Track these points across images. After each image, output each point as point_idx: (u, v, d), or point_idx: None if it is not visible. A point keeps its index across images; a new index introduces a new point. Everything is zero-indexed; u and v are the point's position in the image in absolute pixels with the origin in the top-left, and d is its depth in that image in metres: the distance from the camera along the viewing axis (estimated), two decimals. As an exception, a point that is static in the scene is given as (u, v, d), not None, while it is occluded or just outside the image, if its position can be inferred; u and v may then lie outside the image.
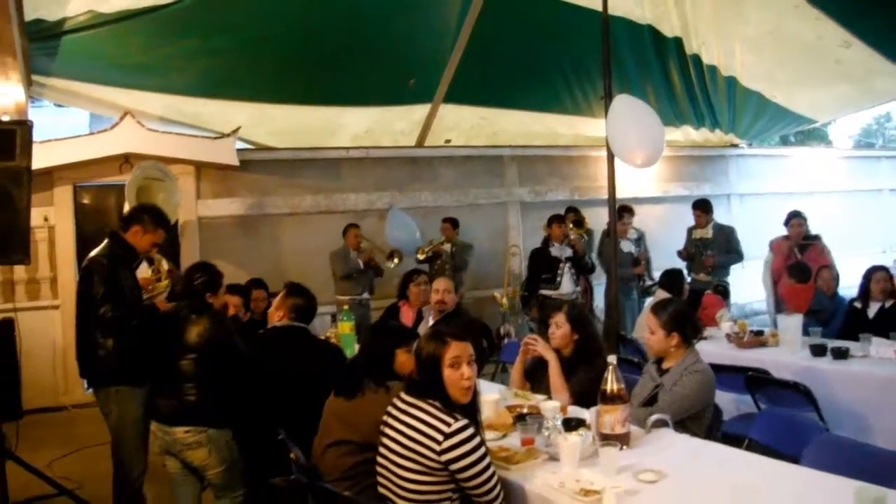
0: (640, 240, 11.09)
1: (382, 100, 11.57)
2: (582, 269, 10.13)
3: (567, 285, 9.80)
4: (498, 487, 3.35)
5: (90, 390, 5.65)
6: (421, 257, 10.54)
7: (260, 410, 4.81)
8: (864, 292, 7.30)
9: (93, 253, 5.45)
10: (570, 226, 10.20)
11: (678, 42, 11.74)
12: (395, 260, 10.45)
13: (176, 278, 6.15)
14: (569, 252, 9.87)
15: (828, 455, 3.72)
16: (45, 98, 11.07)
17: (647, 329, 4.70)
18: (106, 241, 5.49)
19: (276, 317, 5.26)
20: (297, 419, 4.29)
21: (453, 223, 10.82)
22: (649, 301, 8.79)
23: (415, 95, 11.63)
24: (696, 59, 12.03)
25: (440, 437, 3.28)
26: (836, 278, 8.22)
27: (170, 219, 7.80)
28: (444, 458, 3.26)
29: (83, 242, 9.65)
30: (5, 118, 7.96)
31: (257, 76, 10.49)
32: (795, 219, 9.54)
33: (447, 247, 10.68)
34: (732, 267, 10.27)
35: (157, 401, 4.81)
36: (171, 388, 4.68)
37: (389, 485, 3.45)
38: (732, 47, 11.60)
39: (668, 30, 11.49)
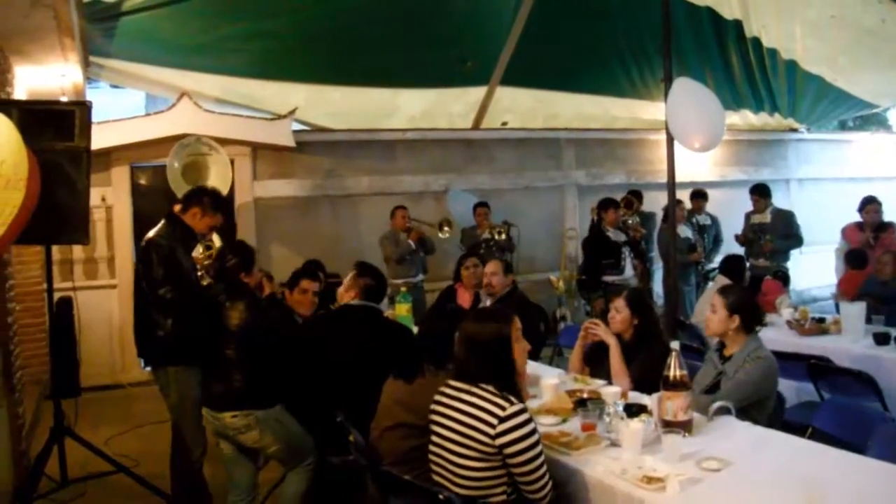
0: (711, 225, 11.07)
1: (439, 81, 11.52)
2: (639, 254, 10.05)
3: (629, 270, 9.74)
4: (548, 477, 3.32)
5: (147, 369, 5.71)
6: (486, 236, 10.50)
7: (326, 388, 4.83)
8: None
9: (151, 233, 5.47)
10: (623, 209, 10.14)
11: (738, 24, 11.58)
12: (446, 229, 10.41)
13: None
14: (623, 237, 9.79)
15: (894, 446, 3.65)
16: (103, 79, 11.12)
17: (710, 307, 4.65)
18: (163, 221, 5.52)
19: (348, 297, 5.28)
20: (361, 399, 4.29)
21: (488, 207, 10.71)
22: (711, 285, 8.71)
23: (471, 77, 11.57)
24: (756, 41, 11.87)
25: (495, 421, 3.25)
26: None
27: (222, 190, 7.87)
28: (499, 441, 3.23)
29: (140, 222, 9.73)
30: (64, 99, 8.05)
31: (313, 57, 10.49)
32: (871, 204, 9.36)
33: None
34: (792, 252, 10.14)
35: (209, 386, 4.83)
36: (219, 373, 4.70)
37: (444, 472, 3.44)
38: (793, 30, 11.42)
39: (728, 12, 11.33)
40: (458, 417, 3.38)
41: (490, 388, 3.39)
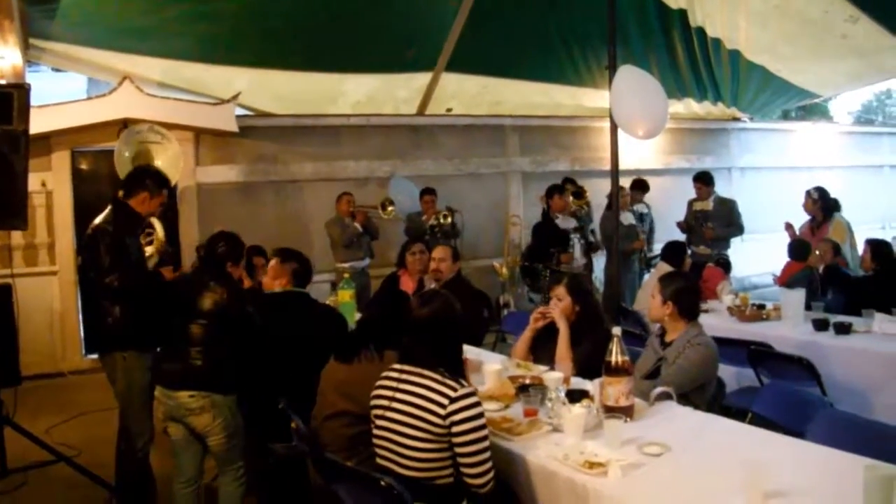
0: (647, 213, 11.15)
1: (384, 67, 11.49)
2: (589, 243, 10.10)
3: (578, 257, 9.78)
4: (490, 464, 3.34)
5: (93, 356, 5.62)
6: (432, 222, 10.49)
7: (264, 378, 4.80)
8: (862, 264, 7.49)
9: (97, 220, 5.38)
10: (570, 197, 10.19)
11: (683, 14, 11.68)
12: (390, 209, 10.36)
13: (163, 246, 6.16)
14: (573, 223, 9.84)
15: (833, 430, 3.71)
16: (43, 62, 10.98)
17: (649, 294, 4.71)
18: (109, 207, 5.43)
19: (278, 284, 5.25)
20: (300, 385, 4.28)
21: (434, 194, 10.71)
22: (651, 273, 8.79)
23: (416, 63, 11.55)
24: (701, 31, 11.97)
25: (446, 402, 3.27)
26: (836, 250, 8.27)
27: (171, 180, 7.78)
28: (448, 420, 3.25)
29: (81, 208, 9.63)
30: (2, 82, 7.90)
31: (257, 41, 10.39)
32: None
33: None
34: (733, 240, 10.25)
35: (162, 365, 4.74)
36: (177, 352, 4.61)
37: (391, 455, 3.42)
38: (737, 20, 11.52)
39: (673, 1, 11.41)
40: (407, 399, 3.38)
41: (440, 370, 3.40)
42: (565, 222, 9.81)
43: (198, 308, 4.62)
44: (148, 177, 5.56)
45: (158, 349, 4.94)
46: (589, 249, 10.07)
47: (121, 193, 5.47)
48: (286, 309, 5.16)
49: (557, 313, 5.06)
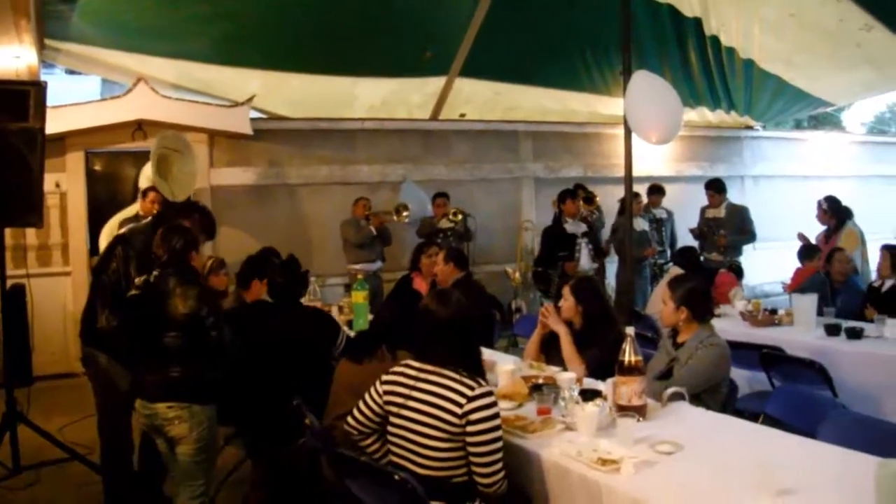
0: (667, 219, 11.18)
1: (398, 71, 11.52)
2: (598, 248, 10.11)
3: (585, 261, 9.77)
4: (502, 465, 3.35)
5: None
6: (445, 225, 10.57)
7: (265, 381, 4.83)
8: (879, 271, 7.48)
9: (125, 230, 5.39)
10: (581, 202, 10.21)
11: (697, 22, 11.66)
12: (404, 213, 10.40)
13: None
14: (584, 228, 9.86)
15: (845, 431, 3.71)
16: (58, 63, 11.02)
17: (661, 299, 4.72)
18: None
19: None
20: (303, 387, 4.32)
21: (447, 197, 10.80)
22: (665, 277, 8.79)
23: (431, 68, 11.58)
24: (715, 40, 11.95)
25: (463, 401, 3.29)
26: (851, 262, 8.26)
27: (186, 193, 7.79)
28: (465, 420, 3.27)
29: (95, 209, 9.68)
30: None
31: (273, 44, 10.44)
32: None
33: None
34: (745, 248, 10.25)
35: (141, 378, 4.54)
36: (155, 365, 4.42)
37: (406, 453, 3.44)
38: (752, 29, 11.51)
39: (688, 10, 11.41)
40: (423, 398, 3.40)
41: (458, 369, 3.42)
42: (575, 227, 9.82)
43: (170, 319, 4.40)
44: (197, 210, 5.46)
45: (136, 362, 4.71)
46: (597, 255, 10.05)
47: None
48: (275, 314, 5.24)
49: (553, 319, 5.11)
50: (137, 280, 4.64)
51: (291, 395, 4.29)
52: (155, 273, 4.52)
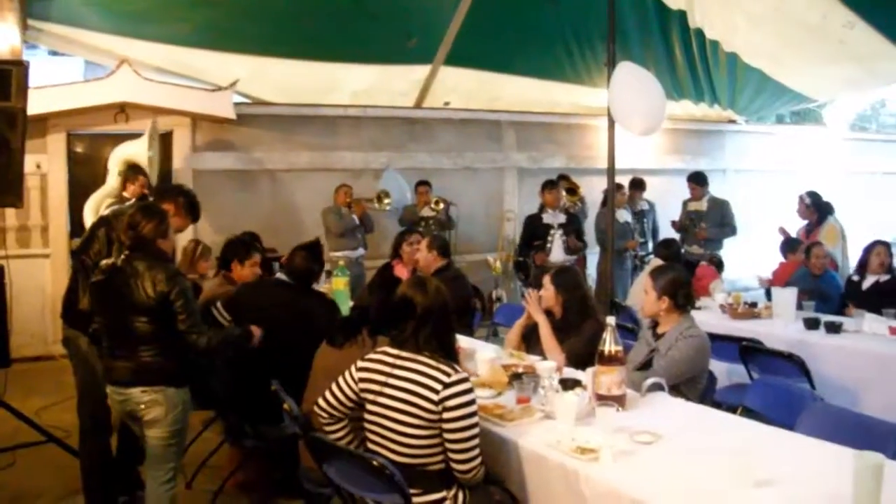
0: (648, 210, 11.22)
1: (383, 58, 11.49)
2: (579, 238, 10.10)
3: (557, 253, 9.76)
4: (478, 451, 3.36)
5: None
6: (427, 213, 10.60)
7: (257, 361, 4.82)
8: (863, 265, 7.43)
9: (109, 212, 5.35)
10: (564, 193, 10.22)
11: (682, 15, 11.67)
12: (386, 201, 10.44)
13: None
14: (562, 219, 9.85)
15: (822, 423, 3.74)
16: (41, 44, 10.94)
17: (643, 289, 4.74)
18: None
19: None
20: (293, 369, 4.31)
21: (429, 185, 10.87)
22: (645, 269, 8.81)
23: (415, 55, 11.57)
24: (700, 33, 11.96)
25: (439, 387, 3.28)
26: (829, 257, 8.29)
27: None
28: (441, 406, 3.26)
29: (75, 191, 9.63)
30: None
31: (257, 29, 10.38)
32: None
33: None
34: (725, 241, 10.29)
35: (112, 363, 4.45)
36: (126, 350, 4.35)
37: (382, 440, 3.44)
38: (736, 23, 11.53)
39: (673, 2, 11.42)
40: (400, 385, 3.38)
41: (434, 355, 3.41)
42: (552, 217, 9.81)
43: (137, 304, 4.29)
44: (182, 194, 5.33)
45: (105, 346, 4.61)
46: (569, 247, 10.00)
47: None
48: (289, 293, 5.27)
49: (533, 307, 5.13)
50: (103, 264, 4.52)
51: (283, 377, 4.31)
52: (122, 257, 4.43)
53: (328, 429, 3.66)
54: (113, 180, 8.51)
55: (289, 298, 5.24)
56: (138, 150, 8.62)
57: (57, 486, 5.66)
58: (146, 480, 4.53)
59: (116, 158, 8.68)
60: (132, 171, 8.12)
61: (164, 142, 9.95)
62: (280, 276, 5.50)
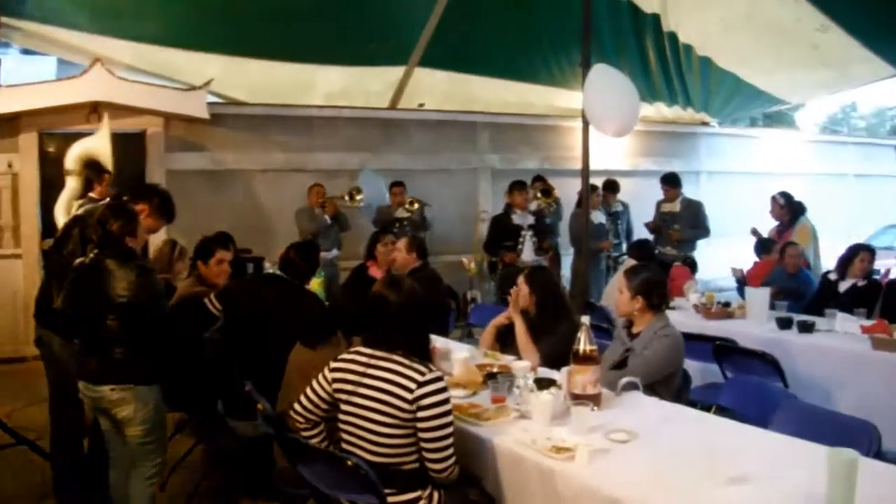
0: (623, 211, 11.27)
1: (358, 60, 11.48)
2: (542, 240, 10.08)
3: (528, 254, 9.76)
4: (452, 451, 3.34)
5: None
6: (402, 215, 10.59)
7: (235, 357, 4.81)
8: (843, 266, 7.44)
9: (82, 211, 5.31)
10: (538, 194, 10.24)
11: (656, 19, 11.74)
12: (358, 198, 10.44)
13: None
14: (531, 220, 9.86)
15: (796, 421, 3.76)
16: (15, 42, 10.89)
17: (617, 289, 4.75)
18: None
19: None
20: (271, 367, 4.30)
21: (403, 186, 10.83)
22: (619, 269, 8.85)
23: (390, 57, 11.58)
24: (673, 36, 12.04)
25: (413, 386, 3.26)
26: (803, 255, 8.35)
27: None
28: (415, 405, 3.25)
29: (47, 191, 9.53)
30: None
31: (231, 28, 10.35)
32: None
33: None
34: (699, 243, 10.33)
35: (83, 360, 4.46)
36: (97, 347, 4.36)
37: (356, 440, 3.42)
38: (709, 27, 11.60)
39: (647, 6, 11.48)
40: (374, 384, 3.36)
41: (408, 355, 3.40)
42: (521, 219, 9.81)
43: (109, 299, 4.28)
44: (157, 195, 5.29)
45: (77, 342, 4.64)
46: (540, 248, 10.02)
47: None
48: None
49: (511, 307, 5.16)
50: (76, 262, 4.54)
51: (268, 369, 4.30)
52: (91, 255, 4.42)
53: (305, 434, 3.64)
54: (73, 182, 8.38)
55: (281, 291, 5.25)
56: (97, 146, 8.53)
57: (28, 490, 5.62)
58: (129, 479, 4.52)
59: (74, 157, 8.53)
60: (94, 171, 8.02)
61: (137, 142, 9.90)
62: (273, 270, 5.52)
